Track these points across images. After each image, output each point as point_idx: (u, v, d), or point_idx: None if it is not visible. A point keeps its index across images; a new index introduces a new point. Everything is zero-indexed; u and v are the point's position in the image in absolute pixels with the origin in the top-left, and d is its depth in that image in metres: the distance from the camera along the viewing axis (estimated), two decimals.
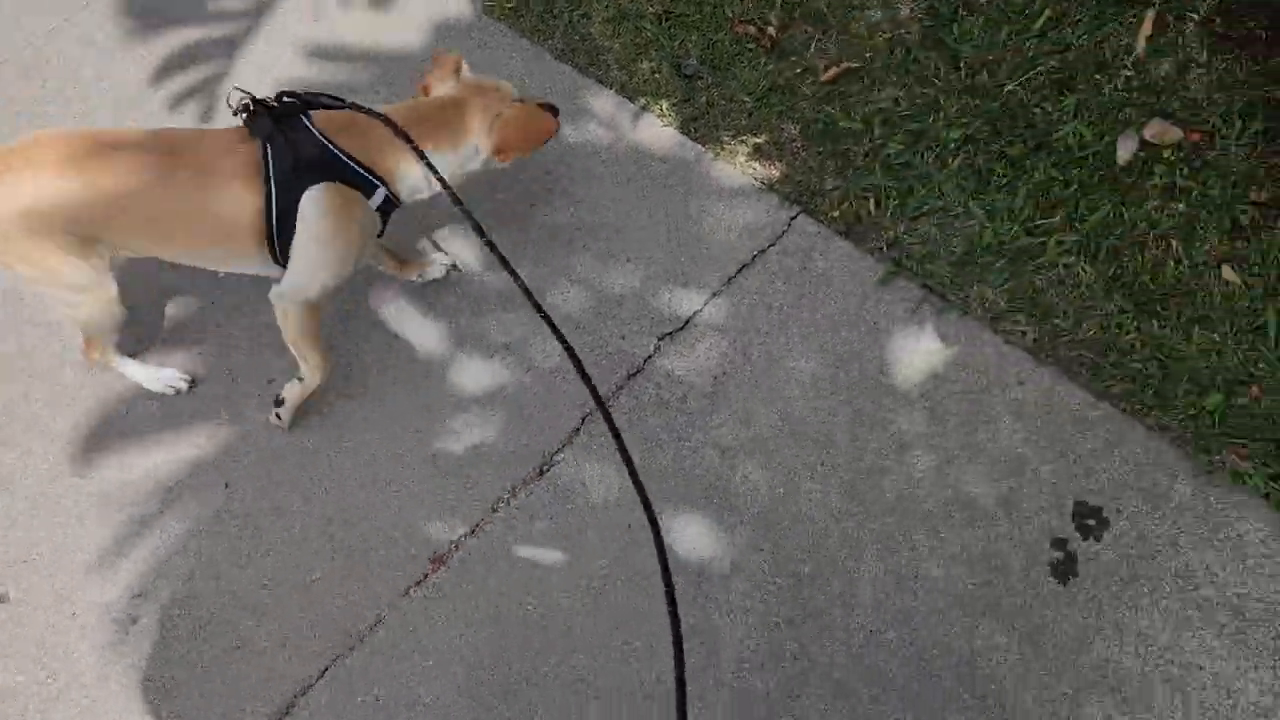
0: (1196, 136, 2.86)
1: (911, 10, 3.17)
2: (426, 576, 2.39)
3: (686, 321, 2.70)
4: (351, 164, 2.12)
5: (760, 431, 2.51)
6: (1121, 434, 2.45)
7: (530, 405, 2.60)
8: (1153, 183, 2.79)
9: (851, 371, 2.58)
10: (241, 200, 2.06)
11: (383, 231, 2.31)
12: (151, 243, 2.18)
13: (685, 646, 2.18)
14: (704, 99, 3.10)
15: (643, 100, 3.12)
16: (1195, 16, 3.04)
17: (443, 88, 2.30)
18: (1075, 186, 2.80)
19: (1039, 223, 2.76)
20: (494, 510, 2.46)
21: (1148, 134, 2.87)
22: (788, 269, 2.76)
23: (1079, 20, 3.07)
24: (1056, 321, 2.63)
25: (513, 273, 1.87)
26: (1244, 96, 2.88)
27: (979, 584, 2.29)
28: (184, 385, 2.62)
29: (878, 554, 2.35)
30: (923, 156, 2.91)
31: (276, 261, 2.20)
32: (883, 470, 2.44)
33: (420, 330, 2.72)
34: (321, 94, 2.20)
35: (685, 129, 3.05)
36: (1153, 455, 2.41)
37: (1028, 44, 3.04)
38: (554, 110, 2.35)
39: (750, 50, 3.17)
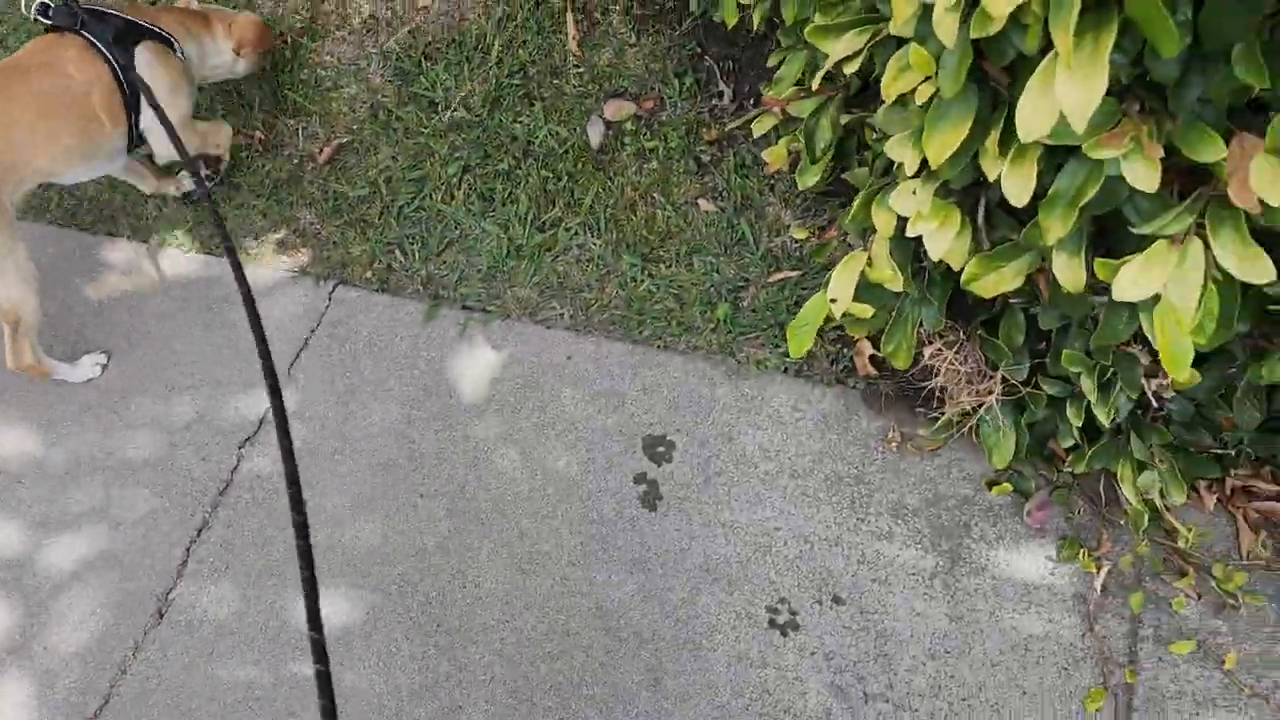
0: (649, 104, 3.27)
1: (381, 75, 3.41)
2: None
3: (261, 421, 2.77)
4: (151, 27, 2.68)
5: (359, 491, 2.63)
6: (663, 367, 2.76)
7: (129, 557, 2.58)
8: (626, 153, 3.15)
9: (425, 406, 2.75)
10: (96, 75, 2.53)
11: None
12: (52, 158, 2.54)
13: (345, 713, 2.25)
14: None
15: (158, 237, 3.17)
16: (616, 7, 3.47)
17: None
18: (565, 178, 3.12)
19: (545, 218, 3.06)
20: (123, 672, 2.42)
21: (608, 115, 3.24)
22: (340, 338, 2.89)
23: (525, 41, 3.42)
24: (585, 295, 2.92)
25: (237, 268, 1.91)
26: (673, 60, 3.32)
27: (585, 540, 2.51)
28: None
29: (493, 553, 2.51)
30: (431, 198, 3.14)
31: (133, 142, 2.72)
32: (476, 479, 2.62)
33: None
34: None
35: (207, 248, 3.13)
36: (692, 374, 2.73)
37: (489, 73, 3.35)
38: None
39: (246, 157, 3.29)
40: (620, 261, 2.96)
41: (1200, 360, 2.13)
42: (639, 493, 2.57)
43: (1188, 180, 1.55)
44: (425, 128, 3.28)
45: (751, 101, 3.25)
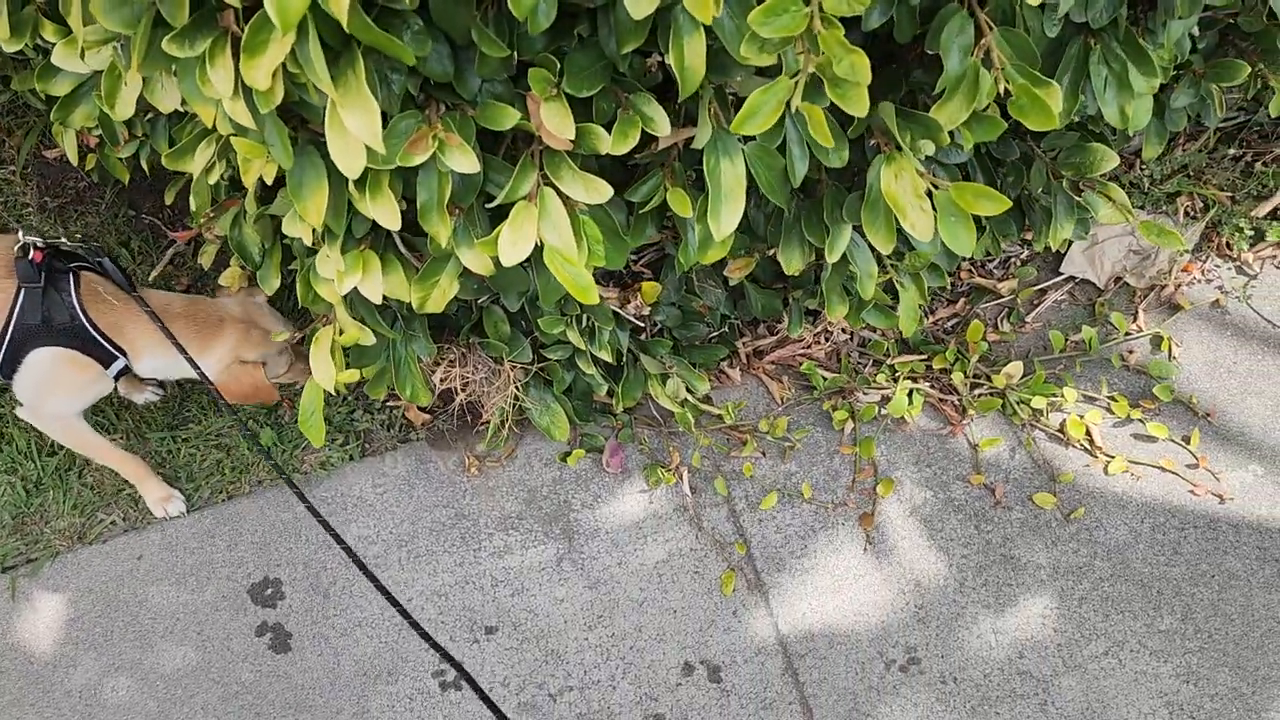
0: None
1: None
2: None
3: None
4: (97, 336, 2.23)
5: None
6: (237, 516, 2.68)
7: None
8: None
9: (4, 690, 2.49)
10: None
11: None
12: None
13: None
14: None
15: None
16: (29, 207, 3.29)
17: (224, 299, 2.48)
18: None
19: (49, 442, 2.85)
20: None
21: None
22: None
23: None
24: (127, 491, 2.77)
25: None
26: (112, 232, 3.21)
27: (238, 712, 2.41)
28: None
29: None
30: None
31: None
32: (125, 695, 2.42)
33: None
34: (111, 263, 2.29)
35: None
36: (267, 508, 2.68)
37: None
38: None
39: None
40: (149, 443, 2.84)
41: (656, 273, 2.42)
42: (268, 642, 2.50)
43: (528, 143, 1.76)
44: None
45: (198, 237, 3.22)
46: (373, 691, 2.41)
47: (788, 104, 1.43)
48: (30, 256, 2.18)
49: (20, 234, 2.21)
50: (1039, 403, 2.59)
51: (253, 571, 2.61)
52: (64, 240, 2.30)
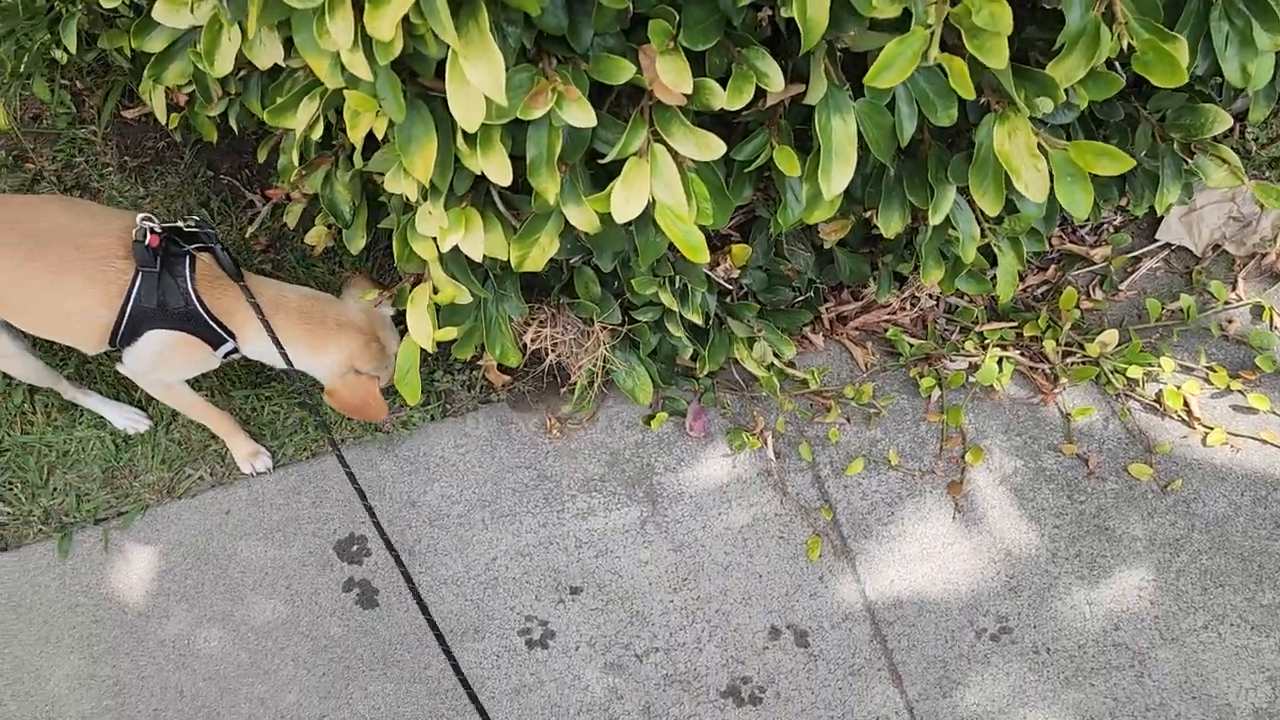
0: None
1: None
2: None
3: None
4: (209, 320, 2.25)
5: None
6: (321, 474, 2.71)
7: None
8: None
9: (104, 638, 2.56)
10: (93, 314, 2.19)
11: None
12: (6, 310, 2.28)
13: None
14: None
15: None
16: (110, 168, 3.33)
17: (349, 303, 2.43)
18: None
19: (137, 396, 2.90)
20: None
21: None
22: None
23: None
24: (213, 447, 2.80)
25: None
26: (191, 192, 3.24)
27: (326, 669, 2.44)
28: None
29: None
30: (9, 435, 2.89)
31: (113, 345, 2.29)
32: (189, 675, 2.47)
33: None
34: (223, 250, 2.26)
35: None
36: (351, 465, 2.69)
37: None
38: None
39: None
40: (233, 400, 2.87)
41: (744, 235, 2.39)
42: (355, 598, 2.53)
43: (634, 100, 1.73)
44: None
45: (286, 197, 3.23)
46: (460, 648, 2.43)
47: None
48: (147, 241, 2.18)
49: (138, 217, 2.21)
50: (1135, 372, 2.53)
51: (338, 528, 2.63)
52: (182, 223, 2.29)
